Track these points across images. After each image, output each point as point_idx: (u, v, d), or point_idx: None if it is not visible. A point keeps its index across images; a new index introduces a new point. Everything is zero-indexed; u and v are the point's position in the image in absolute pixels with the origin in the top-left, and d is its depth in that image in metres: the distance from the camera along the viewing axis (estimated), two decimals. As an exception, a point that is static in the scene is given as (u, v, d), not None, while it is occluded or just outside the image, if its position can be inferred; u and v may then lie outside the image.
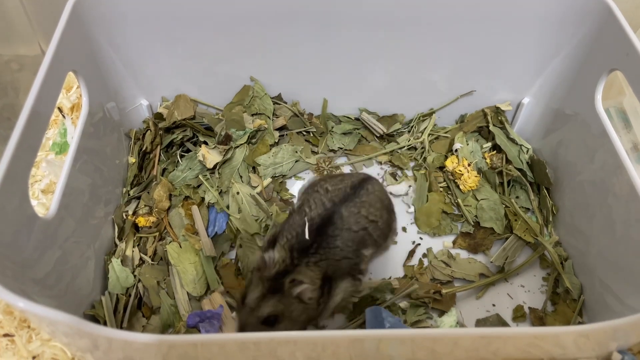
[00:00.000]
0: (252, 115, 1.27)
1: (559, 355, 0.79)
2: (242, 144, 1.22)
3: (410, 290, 1.01)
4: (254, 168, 1.22)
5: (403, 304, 1.01)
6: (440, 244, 1.13)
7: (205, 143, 1.22)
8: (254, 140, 1.25)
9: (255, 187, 1.18)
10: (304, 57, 1.20)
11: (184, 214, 1.13)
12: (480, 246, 1.12)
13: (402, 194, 1.21)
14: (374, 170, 1.26)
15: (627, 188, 0.92)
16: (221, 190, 1.17)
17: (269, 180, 1.20)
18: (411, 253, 1.11)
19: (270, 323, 0.83)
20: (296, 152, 1.25)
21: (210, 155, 1.17)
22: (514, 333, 0.73)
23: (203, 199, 1.16)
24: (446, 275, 1.07)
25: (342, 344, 0.72)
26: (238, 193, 1.15)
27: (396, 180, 1.24)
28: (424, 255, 1.11)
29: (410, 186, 1.22)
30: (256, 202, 1.15)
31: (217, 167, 1.19)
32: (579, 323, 1.00)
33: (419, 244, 1.13)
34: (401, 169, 1.26)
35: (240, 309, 0.85)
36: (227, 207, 1.14)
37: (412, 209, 1.18)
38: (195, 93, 1.28)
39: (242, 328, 0.83)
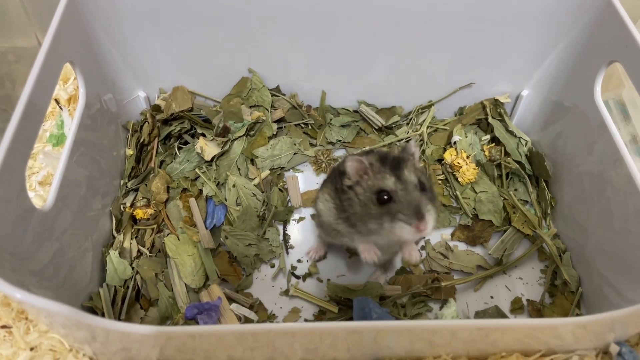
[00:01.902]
0: (250, 107, 1.26)
1: (556, 347, 0.79)
2: (240, 137, 1.21)
3: (396, 295, 1.01)
4: (252, 160, 1.22)
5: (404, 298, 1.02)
6: (438, 236, 1.13)
7: (203, 135, 1.22)
8: (252, 133, 1.24)
9: (253, 179, 1.18)
10: (302, 48, 1.20)
11: (181, 206, 1.12)
12: (478, 238, 1.12)
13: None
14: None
15: (626, 180, 0.91)
16: (219, 182, 1.17)
17: (267, 172, 1.20)
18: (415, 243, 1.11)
19: (422, 187, 0.79)
20: (294, 144, 1.24)
21: (208, 147, 1.17)
22: (512, 325, 0.73)
23: (201, 191, 1.16)
24: (444, 266, 1.07)
25: (339, 335, 0.72)
26: (234, 186, 1.15)
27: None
28: (422, 247, 1.11)
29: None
30: (253, 194, 1.15)
31: (215, 160, 1.19)
32: (577, 315, 1.01)
33: (424, 237, 1.12)
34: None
35: (393, 199, 0.78)
36: (226, 199, 1.14)
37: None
38: (193, 85, 1.28)
39: (417, 210, 0.75)
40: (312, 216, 1.14)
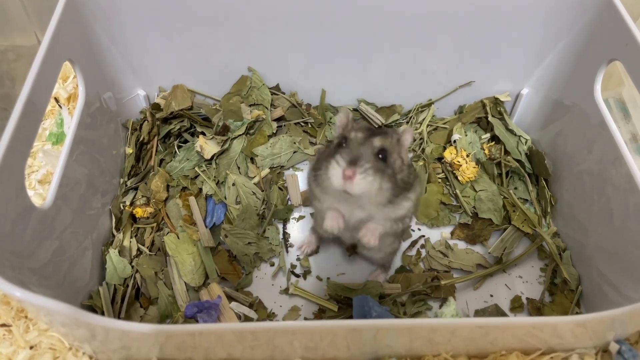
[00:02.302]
0: (250, 105, 1.26)
1: (556, 345, 0.79)
2: (239, 135, 1.21)
3: (396, 294, 1.01)
4: (252, 159, 1.22)
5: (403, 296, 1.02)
6: (438, 234, 1.13)
7: (203, 134, 1.21)
8: (251, 131, 1.24)
9: (253, 178, 1.18)
10: (302, 47, 1.19)
11: (181, 205, 1.12)
12: (478, 237, 1.12)
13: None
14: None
15: (626, 179, 0.91)
16: (219, 181, 1.17)
17: (267, 170, 1.20)
18: (413, 243, 1.11)
19: (383, 158, 0.79)
20: (294, 143, 1.24)
21: (208, 145, 1.17)
22: (512, 323, 0.73)
23: (200, 189, 1.15)
24: (443, 265, 1.07)
25: (339, 334, 0.72)
26: (234, 184, 1.15)
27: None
28: (422, 246, 1.11)
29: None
30: (253, 192, 1.15)
31: (215, 158, 1.19)
32: (577, 313, 1.01)
33: (424, 236, 1.12)
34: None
35: (346, 145, 0.79)
36: (225, 197, 1.14)
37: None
38: (193, 83, 1.27)
39: (355, 160, 0.75)
40: (312, 214, 1.14)
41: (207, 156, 1.16)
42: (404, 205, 0.87)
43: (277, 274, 1.07)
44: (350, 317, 0.97)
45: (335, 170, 0.75)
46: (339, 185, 0.76)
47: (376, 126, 1.29)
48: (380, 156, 0.79)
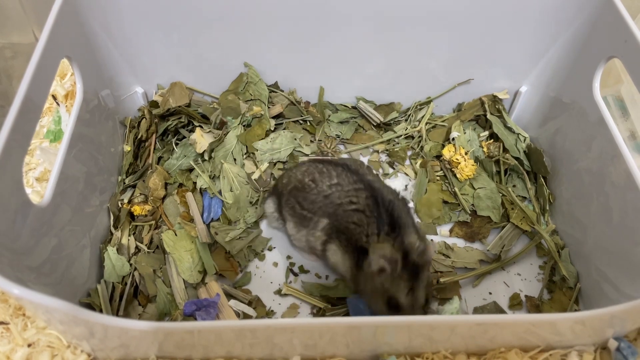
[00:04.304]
0: (247, 101, 1.26)
1: (555, 343, 0.79)
2: (236, 126, 1.21)
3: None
4: (248, 152, 1.21)
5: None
6: (437, 233, 1.13)
7: (201, 127, 1.21)
8: (249, 129, 1.24)
9: (252, 174, 1.18)
10: (300, 45, 1.19)
11: (179, 202, 1.12)
12: (477, 235, 1.12)
13: (400, 189, 1.21)
14: (372, 160, 1.26)
15: (624, 176, 0.91)
16: (214, 175, 1.16)
17: (266, 165, 1.19)
18: None
19: (427, 302, 0.89)
20: (295, 139, 1.24)
21: (202, 139, 1.16)
22: (511, 320, 0.73)
23: (195, 183, 1.15)
24: (447, 266, 1.07)
25: (339, 331, 0.72)
26: (228, 174, 1.15)
27: (393, 168, 1.24)
28: None
29: (407, 184, 1.21)
30: (247, 182, 1.15)
31: (212, 151, 1.18)
32: (575, 311, 1.01)
33: (432, 239, 1.12)
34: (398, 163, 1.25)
35: (405, 310, 0.85)
36: (220, 192, 1.13)
37: (411, 205, 1.17)
38: (191, 81, 1.27)
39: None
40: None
41: (199, 150, 1.16)
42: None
43: (276, 272, 1.07)
44: (348, 314, 0.97)
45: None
46: None
47: (374, 124, 1.29)
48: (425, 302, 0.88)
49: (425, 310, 0.92)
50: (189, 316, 0.95)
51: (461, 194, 1.16)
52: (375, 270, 0.84)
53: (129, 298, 0.99)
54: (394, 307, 0.85)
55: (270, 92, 1.28)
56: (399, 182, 1.22)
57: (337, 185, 0.96)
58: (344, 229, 0.92)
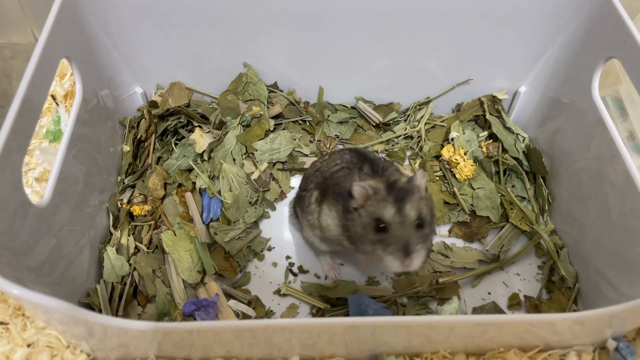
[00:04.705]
0: (246, 101, 1.26)
1: (554, 343, 0.79)
2: (236, 126, 1.21)
3: (396, 295, 1.02)
4: (247, 152, 1.22)
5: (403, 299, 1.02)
6: (436, 233, 1.14)
7: (200, 127, 1.21)
8: (248, 129, 1.24)
9: (251, 174, 1.18)
10: (300, 45, 1.19)
11: (178, 202, 1.12)
12: (476, 235, 1.12)
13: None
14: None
15: (623, 177, 0.92)
16: (213, 175, 1.16)
17: (265, 165, 1.19)
18: None
19: (421, 225, 0.81)
20: (294, 139, 1.24)
21: (201, 139, 1.16)
22: (510, 320, 0.73)
23: (194, 184, 1.15)
24: (446, 266, 1.07)
25: (337, 331, 0.72)
26: (228, 174, 1.15)
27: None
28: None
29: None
30: (246, 182, 1.15)
31: (211, 151, 1.18)
32: (574, 311, 1.01)
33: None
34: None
35: (388, 231, 0.80)
36: (219, 192, 1.13)
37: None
38: (191, 81, 1.27)
39: (406, 247, 0.79)
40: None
41: (199, 150, 1.16)
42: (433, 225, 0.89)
43: (275, 271, 1.07)
44: (347, 314, 0.97)
45: (393, 262, 0.80)
46: (399, 270, 0.82)
47: (373, 124, 1.29)
48: (418, 222, 0.81)
49: (427, 246, 0.85)
50: (188, 316, 0.95)
51: (460, 194, 1.16)
52: (358, 197, 0.82)
53: (128, 298, 0.99)
54: (382, 229, 0.80)
55: (269, 92, 1.28)
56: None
57: (329, 159, 1.02)
58: (331, 190, 0.93)
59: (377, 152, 1.26)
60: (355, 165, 0.96)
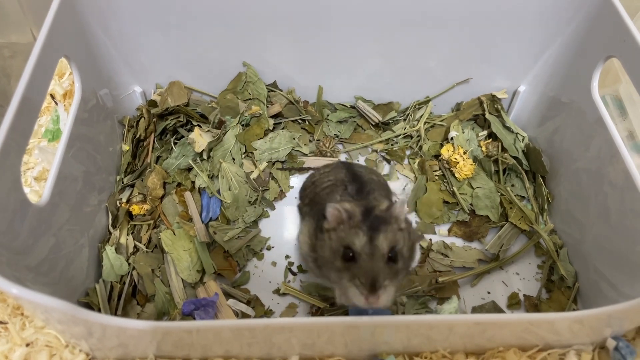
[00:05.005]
0: (246, 100, 1.26)
1: (554, 342, 0.79)
2: (235, 125, 1.21)
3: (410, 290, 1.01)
4: (247, 151, 1.21)
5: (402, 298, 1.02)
6: (435, 232, 1.13)
7: (199, 126, 1.21)
8: (247, 128, 1.24)
9: (251, 173, 1.18)
10: (299, 44, 1.19)
11: (177, 201, 1.12)
12: (475, 234, 1.12)
13: (398, 191, 1.21)
14: (370, 159, 1.26)
15: (623, 176, 0.92)
16: (213, 174, 1.16)
17: (265, 164, 1.19)
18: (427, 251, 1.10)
19: (393, 259, 0.75)
20: (293, 138, 1.24)
21: (200, 138, 1.16)
22: (509, 319, 0.73)
23: (193, 183, 1.15)
24: (446, 265, 1.07)
25: (337, 331, 0.72)
26: (227, 173, 1.15)
27: (389, 164, 1.24)
28: (422, 253, 1.10)
29: (406, 185, 1.21)
30: (246, 181, 1.15)
31: (209, 151, 1.18)
32: (574, 310, 1.01)
33: (430, 239, 1.12)
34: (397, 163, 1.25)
35: (356, 261, 0.74)
36: (218, 191, 1.13)
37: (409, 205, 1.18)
38: (190, 80, 1.27)
39: (373, 282, 0.72)
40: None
41: (198, 149, 1.16)
42: (412, 257, 0.84)
43: (274, 271, 1.07)
44: (347, 314, 0.97)
45: (357, 295, 0.73)
46: (363, 305, 0.73)
47: (373, 123, 1.29)
48: (390, 256, 0.75)
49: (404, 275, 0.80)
50: (188, 315, 0.95)
51: (460, 194, 1.16)
52: (331, 220, 0.78)
53: (127, 297, 0.99)
54: (350, 258, 0.74)
55: (268, 91, 1.28)
56: (397, 183, 1.22)
57: (326, 173, 1.01)
58: (316, 208, 0.90)
59: (382, 159, 1.26)
60: (342, 184, 0.92)
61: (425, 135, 1.27)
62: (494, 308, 1.01)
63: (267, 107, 1.27)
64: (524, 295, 1.03)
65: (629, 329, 0.83)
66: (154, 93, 1.27)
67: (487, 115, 1.25)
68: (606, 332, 0.79)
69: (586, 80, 1.04)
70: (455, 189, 1.17)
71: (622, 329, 0.80)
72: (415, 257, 0.88)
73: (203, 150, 1.16)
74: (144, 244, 1.07)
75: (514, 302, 1.02)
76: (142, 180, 1.14)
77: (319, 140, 1.27)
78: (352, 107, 1.32)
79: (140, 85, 1.25)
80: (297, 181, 1.22)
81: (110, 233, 1.08)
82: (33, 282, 0.78)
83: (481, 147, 1.23)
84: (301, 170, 1.23)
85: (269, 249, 1.10)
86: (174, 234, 1.06)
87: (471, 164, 1.18)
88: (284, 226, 1.14)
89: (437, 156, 1.24)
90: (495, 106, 1.26)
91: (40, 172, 1.12)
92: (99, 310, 0.95)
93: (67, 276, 0.91)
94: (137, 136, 1.20)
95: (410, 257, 0.81)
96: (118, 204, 1.11)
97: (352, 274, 0.74)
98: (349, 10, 1.12)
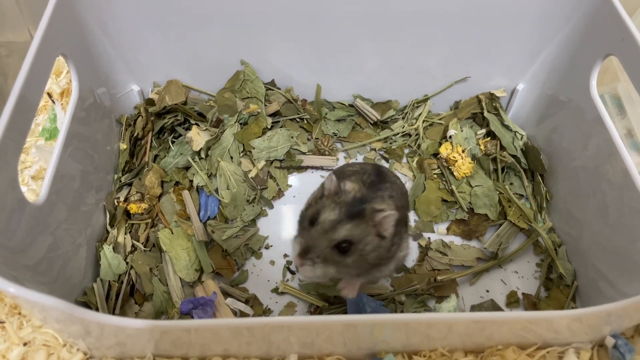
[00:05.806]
0: (244, 99, 1.26)
1: (552, 340, 0.79)
2: (233, 124, 1.21)
3: (394, 293, 1.01)
4: (244, 150, 1.21)
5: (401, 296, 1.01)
6: (434, 230, 1.13)
7: (197, 125, 1.21)
8: (245, 127, 1.24)
9: (249, 172, 1.18)
10: (297, 42, 1.19)
11: (175, 200, 1.12)
12: (474, 232, 1.12)
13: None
14: (368, 157, 1.26)
15: (621, 174, 0.92)
16: (210, 173, 1.16)
17: (263, 163, 1.19)
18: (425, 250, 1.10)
19: (342, 250, 0.77)
20: (292, 137, 1.24)
21: (198, 137, 1.16)
22: (508, 317, 0.73)
23: (192, 182, 1.15)
24: (445, 264, 1.07)
25: (336, 329, 0.72)
26: (225, 172, 1.14)
27: (387, 163, 1.24)
28: (421, 251, 1.10)
29: (404, 184, 1.21)
30: (244, 180, 1.15)
31: (207, 149, 1.18)
32: (572, 308, 1.01)
33: (429, 237, 1.12)
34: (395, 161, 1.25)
35: (306, 229, 0.80)
36: (216, 190, 1.13)
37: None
38: (188, 79, 1.27)
39: (307, 250, 0.77)
40: None
41: (196, 148, 1.16)
42: (384, 268, 0.87)
43: (273, 270, 1.06)
44: (346, 312, 0.97)
45: (294, 252, 0.80)
46: (295, 262, 0.80)
47: (371, 122, 1.29)
48: (342, 245, 0.77)
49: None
50: (186, 314, 0.95)
51: (458, 192, 1.16)
52: (326, 187, 0.82)
53: (125, 296, 0.99)
54: (311, 223, 0.79)
55: (266, 90, 1.28)
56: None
57: (357, 164, 1.04)
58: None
59: (380, 157, 1.26)
60: (365, 172, 0.93)
61: (423, 134, 1.27)
62: (493, 306, 1.01)
63: (265, 105, 1.27)
64: (523, 294, 1.03)
65: (628, 327, 0.83)
66: (152, 91, 1.26)
67: (486, 114, 1.25)
68: (605, 330, 0.79)
69: (585, 79, 1.04)
70: (453, 187, 1.17)
71: (621, 327, 0.80)
72: (386, 272, 0.90)
73: (201, 149, 1.16)
74: (142, 243, 1.06)
75: (512, 301, 1.02)
76: (139, 179, 1.14)
77: (317, 138, 1.27)
78: (351, 105, 1.32)
79: (138, 84, 1.25)
80: (295, 180, 1.21)
81: (107, 232, 1.07)
82: (30, 281, 0.78)
83: (480, 145, 1.23)
84: (299, 169, 1.22)
85: (267, 247, 1.10)
86: (172, 233, 1.06)
87: (470, 163, 1.18)
88: (283, 225, 1.14)
89: (436, 155, 1.24)
90: (494, 104, 1.26)
91: (37, 171, 1.12)
92: (97, 309, 0.94)
93: (64, 275, 0.90)
94: (135, 135, 1.20)
95: (374, 266, 0.83)
96: (116, 203, 1.10)
97: (305, 235, 0.80)
98: (348, 9, 1.11)
